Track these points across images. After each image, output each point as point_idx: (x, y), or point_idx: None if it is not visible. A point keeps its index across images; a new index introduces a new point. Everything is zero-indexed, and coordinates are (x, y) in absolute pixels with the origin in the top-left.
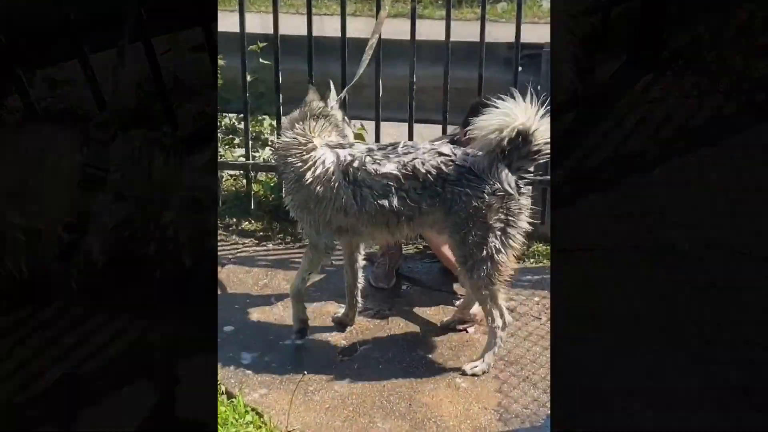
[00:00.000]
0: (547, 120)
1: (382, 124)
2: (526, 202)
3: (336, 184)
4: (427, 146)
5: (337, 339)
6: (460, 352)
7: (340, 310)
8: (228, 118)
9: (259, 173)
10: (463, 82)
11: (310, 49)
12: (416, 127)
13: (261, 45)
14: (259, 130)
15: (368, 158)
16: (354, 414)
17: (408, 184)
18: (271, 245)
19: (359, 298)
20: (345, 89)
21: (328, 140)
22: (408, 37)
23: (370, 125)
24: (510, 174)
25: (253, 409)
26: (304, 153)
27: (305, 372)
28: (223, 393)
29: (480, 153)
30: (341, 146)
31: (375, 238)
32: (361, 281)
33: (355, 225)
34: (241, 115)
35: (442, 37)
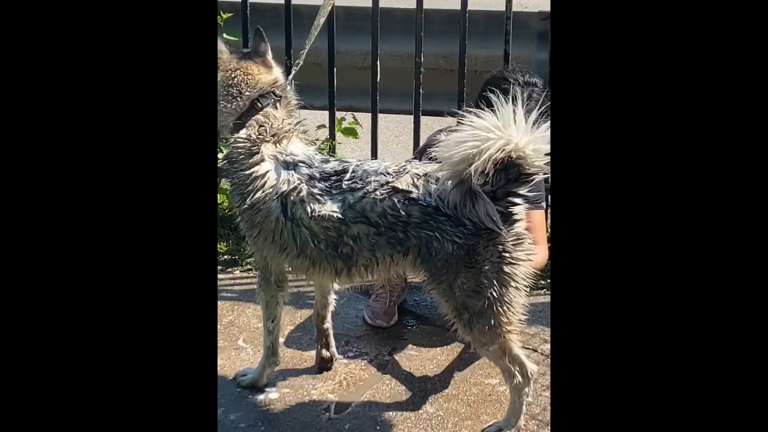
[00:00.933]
0: (545, 132)
1: (381, 116)
2: (520, 228)
3: (274, 217)
4: (381, 179)
5: (323, 392)
6: (480, 409)
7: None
8: None
9: (224, 179)
10: (484, 63)
11: (288, 20)
12: (424, 120)
13: (225, 16)
14: None
15: (306, 189)
16: None
17: (356, 230)
18: (238, 271)
19: (329, 322)
20: (294, 65)
21: (279, 148)
22: (413, 4)
23: (365, 118)
24: (490, 207)
25: None
26: (249, 163)
27: None
28: None
29: (447, 189)
30: (288, 163)
31: (332, 282)
32: (331, 306)
33: (298, 268)
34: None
35: (457, 6)
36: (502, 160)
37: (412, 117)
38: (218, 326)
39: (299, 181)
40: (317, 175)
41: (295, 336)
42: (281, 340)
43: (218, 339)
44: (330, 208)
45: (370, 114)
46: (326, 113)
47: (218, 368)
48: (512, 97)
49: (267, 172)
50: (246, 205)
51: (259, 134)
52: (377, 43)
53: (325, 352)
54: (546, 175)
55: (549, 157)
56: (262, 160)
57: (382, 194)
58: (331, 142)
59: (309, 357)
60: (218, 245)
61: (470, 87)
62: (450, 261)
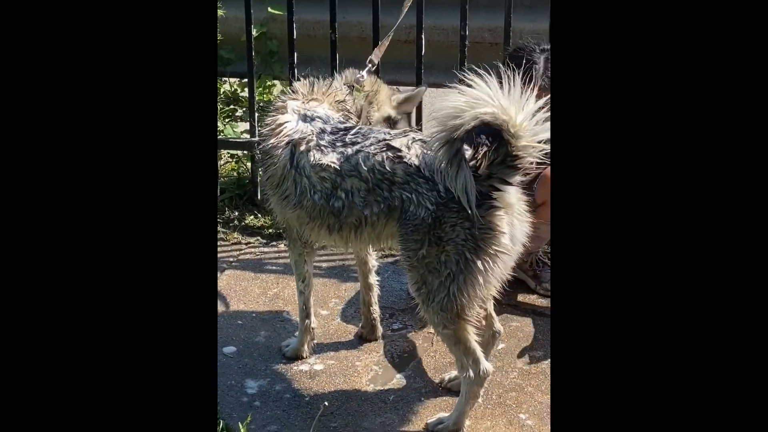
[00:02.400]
0: (531, 112)
1: (428, 90)
2: (499, 220)
3: (281, 164)
4: (380, 135)
5: (368, 363)
6: (524, 381)
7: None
8: (228, 84)
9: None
10: (530, 35)
11: None
12: None
13: None
14: (268, 98)
15: (314, 140)
16: None
17: (350, 184)
18: (282, 245)
19: (375, 308)
20: (380, 46)
21: (308, 105)
22: None
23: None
24: (470, 181)
25: None
26: (273, 112)
27: (326, 403)
28: (222, 429)
29: (436, 148)
30: (307, 116)
31: (324, 242)
32: (375, 288)
33: (298, 221)
34: (245, 80)
35: None
36: (493, 137)
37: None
38: (264, 298)
39: (311, 133)
40: (328, 129)
41: (340, 308)
42: (324, 312)
43: (263, 311)
44: (330, 158)
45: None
46: None
47: (263, 339)
48: (531, 67)
49: (286, 122)
50: (262, 152)
51: (293, 93)
52: (422, 16)
53: (371, 336)
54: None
55: (542, 139)
56: (285, 112)
57: (375, 150)
58: None
59: (353, 329)
60: (262, 219)
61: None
62: (419, 228)
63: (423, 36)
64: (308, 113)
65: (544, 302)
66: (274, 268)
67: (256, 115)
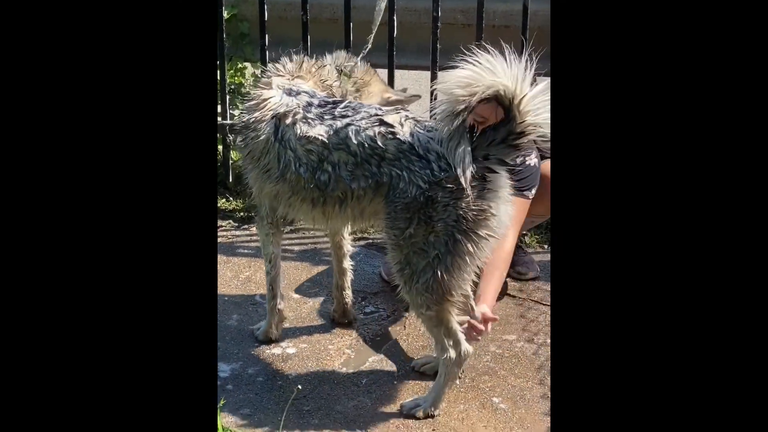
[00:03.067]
0: (542, 89)
1: (398, 72)
2: (491, 203)
3: (265, 137)
4: (372, 110)
5: (340, 346)
6: (497, 365)
7: (354, 313)
8: None
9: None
10: (502, 17)
11: None
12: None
13: None
14: (239, 81)
15: (301, 113)
16: None
17: (337, 157)
18: (254, 228)
19: (347, 293)
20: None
21: (293, 82)
22: None
23: (381, 74)
24: (468, 156)
25: None
26: (256, 90)
27: (299, 387)
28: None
29: (440, 117)
30: (292, 91)
31: (306, 218)
32: (349, 273)
33: (280, 196)
34: (216, 63)
35: None
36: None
37: (428, 73)
38: (236, 282)
39: (297, 106)
40: (315, 102)
41: (312, 292)
42: (296, 295)
43: (235, 294)
44: (317, 130)
45: (386, 70)
46: None
47: (236, 323)
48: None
49: (270, 97)
50: (243, 126)
51: (277, 71)
52: None
53: (342, 319)
54: (540, 157)
55: (547, 118)
56: (270, 88)
57: (366, 124)
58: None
59: (326, 313)
60: (234, 202)
61: (488, 42)
62: (409, 206)
63: (395, 17)
64: (293, 88)
65: (516, 285)
66: (246, 251)
67: (228, 97)
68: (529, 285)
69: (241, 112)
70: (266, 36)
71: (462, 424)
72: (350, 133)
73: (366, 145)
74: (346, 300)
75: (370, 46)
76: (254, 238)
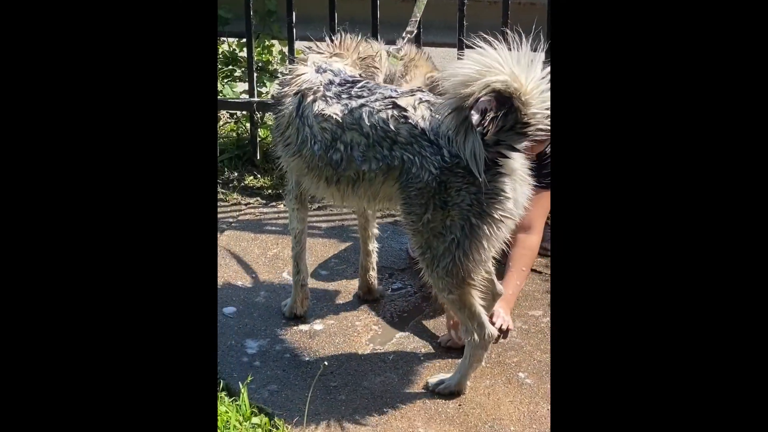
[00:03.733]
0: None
1: (426, 49)
2: (505, 186)
3: (288, 111)
4: (386, 92)
5: (367, 323)
6: (524, 340)
7: (380, 289)
8: (227, 44)
9: (267, 114)
10: None
11: None
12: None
13: None
14: (267, 59)
15: (321, 91)
16: (389, 417)
17: (350, 137)
18: (282, 206)
19: (372, 274)
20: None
21: (328, 60)
22: None
23: None
24: (478, 145)
25: (261, 410)
26: (292, 65)
27: (326, 363)
28: (223, 389)
29: (444, 114)
30: (321, 69)
31: (325, 195)
32: (374, 255)
33: (299, 171)
34: (244, 40)
35: None
36: (502, 103)
37: (455, 50)
38: (263, 259)
39: (319, 83)
40: (337, 81)
41: (339, 269)
42: (324, 272)
43: (263, 271)
44: (333, 109)
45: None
46: None
47: (263, 299)
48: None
49: (302, 73)
50: (275, 101)
51: (317, 49)
52: None
53: (368, 297)
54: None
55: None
56: (305, 64)
57: (380, 106)
58: None
59: (353, 289)
60: (262, 179)
61: (514, 20)
62: (423, 192)
63: None
64: (323, 65)
65: (542, 261)
66: (273, 228)
67: (255, 75)
68: None
69: (278, 84)
70: (293, 13)
71: (488, 399)
72: (364, 114)
73: (378, 128)
74: (371, 281)
75: (414, 30)
76: (282, 215)
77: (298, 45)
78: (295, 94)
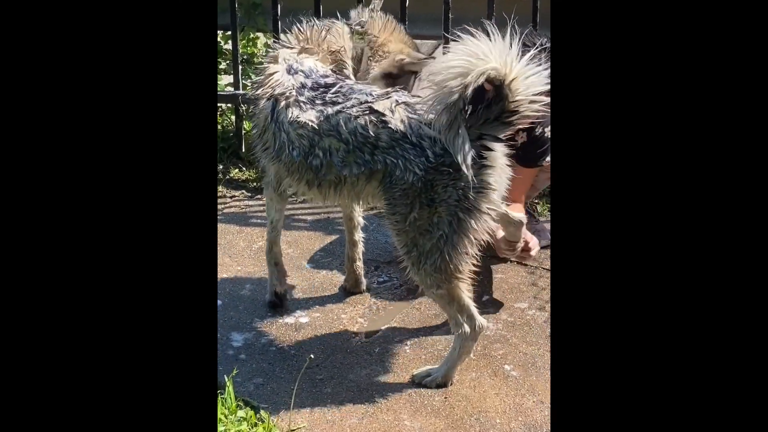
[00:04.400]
0: (532, 67)
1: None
2: (490, 178)
3: (263, 116)
4: (362, 96)
5: (353, 315)
6: (509, 332)
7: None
8: None
9: (251, 107)
10: None
11: None
12: None
13: None
14: (252, 51)
15: (294, 96)
16: (375, 409)
17: (328, 143)
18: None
19: (359, 264)
20: None
21: (299, 56)
22: None
23: None
24: (468, 144)
25: (246, 403)
26: (266, 60)
27: (312, 356)
28: None
29: (437, 109)
30: (292, 69)
31: (306, 195)
32: (360, 245)
33: (278, 173)
34: (228, 33)
35: None
36: (487, 93)
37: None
38: (249, 252)
39: (292, 87)
40: (309, 84)
41: (325, 262)
42: (309, 265)
43: (248, 264)
44: (308, 116)
45: None
46: None
47: (249, 292)
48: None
49: (275, 72)
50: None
51: (289, 42)
52: None
53: (355, 289)
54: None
55: (537, 92)
56: (276, 62)
57: (357, 112)
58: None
59: (339, 282)
60: (247, 172)
61: (499, 12)
62: (408, 193)
63: None
64: (294, 65)
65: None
66: (259, 221)
67: (240, 67)
68: (541, 253)
69: (252, 84)
70: (278, 6)
71: (474, 391)
72: (341, 120)
73: (358, 134)
74: (357, 271)
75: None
76: None
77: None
78: (268, 98)
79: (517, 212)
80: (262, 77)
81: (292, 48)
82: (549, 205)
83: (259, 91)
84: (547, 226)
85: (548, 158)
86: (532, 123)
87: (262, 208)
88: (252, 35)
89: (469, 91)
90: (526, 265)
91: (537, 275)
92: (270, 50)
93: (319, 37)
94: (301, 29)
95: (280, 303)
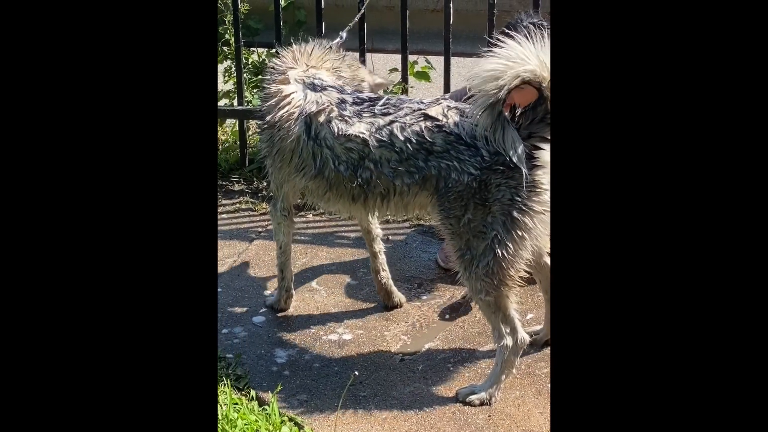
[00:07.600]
0: None
1: (454, 60)
2: (542, 178)
3: (295, 136)
4: (414, 105)
5: (396, 333)
6: None
7: (401, 296)
8: (257, 54)
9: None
10: None
11: None
12: None
13: None
14: None
15: (336, 111)
16: (418, 427)
17: (379, 154)
18: (311, 215)
19: (384, 275)
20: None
21: (312, 74)
22: None
23: (437, 61)
24: (517, 137)
25: (290, 419)
26: (274, 85)
27: (356, 373)
28: (253, 399)
29: (477, 114)
30: (316, 86)
31: (342, 211)
32: (380, 255)
33: (314, 191)
34: (274, 50)
35: None
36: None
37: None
38: (293, 268)
39: (329, 103)
40: (349, 99)
41: (369, 278)
42: (353, 282)
43: (293, 281)
44: (357, 128)
45: (442, 57)
46: (399, 57)
47: (292, 309)
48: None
49: (292, 93)
50: (270, 124)
51: (288, 62)
52: None
53: (388, 302)
54: None
55: None
56: (288, 82)
57: (411, 120)
58: (404, 86)
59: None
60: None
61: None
62: (463, 194)
63: (451, 5)
64: (315, 82)
65: None
66: (302, 238)
67: None
68: None
69: (262, 110)
70: (323, 24)
71: (518, 410)
72: (395, 130)
73: (413, 141)
74: (383, 281)
75: (345, 35)
76: (311, 224)
77: None
78: (298, 116)
79: None
80: (276, 99)
81: (295, 68)
82: None
83: (280, 114)
84: None
85: None
86: None
87: (305, 225)
88: None
89: (504, 92)
90: None
91: None
92: (272, 73)
93: (321, 55)
94: (299, 49)
95: (275, 312)
